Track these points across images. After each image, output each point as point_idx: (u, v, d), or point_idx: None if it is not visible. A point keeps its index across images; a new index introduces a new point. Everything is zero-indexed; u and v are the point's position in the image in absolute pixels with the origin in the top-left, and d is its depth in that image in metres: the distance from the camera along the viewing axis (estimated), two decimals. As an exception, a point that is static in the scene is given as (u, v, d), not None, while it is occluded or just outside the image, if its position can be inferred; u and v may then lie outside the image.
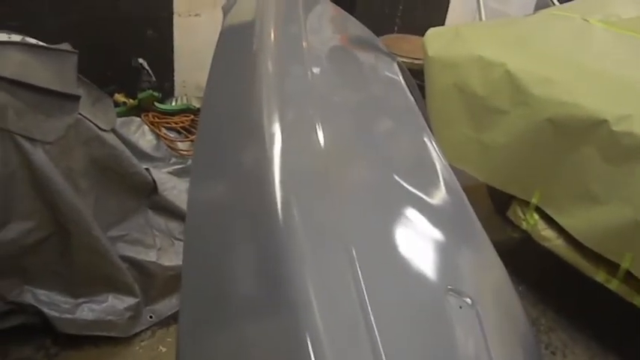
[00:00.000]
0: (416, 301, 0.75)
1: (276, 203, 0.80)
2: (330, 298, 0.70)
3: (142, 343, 2.00)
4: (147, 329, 2.04)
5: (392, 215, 0.91)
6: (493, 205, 2.73)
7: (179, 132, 2.79)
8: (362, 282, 0.71)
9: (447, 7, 4.17)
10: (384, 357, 0.63)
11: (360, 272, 0.73)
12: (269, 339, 0.70)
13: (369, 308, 0.68)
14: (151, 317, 2.06)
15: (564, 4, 2.72)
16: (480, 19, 2.95)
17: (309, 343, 0.62)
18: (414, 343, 0.70)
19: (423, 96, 2.25)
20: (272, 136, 0.92)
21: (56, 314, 1.85)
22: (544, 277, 2.59)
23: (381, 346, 0.64)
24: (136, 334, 2.01)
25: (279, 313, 0.69)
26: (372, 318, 0.67)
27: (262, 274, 0.76)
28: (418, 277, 0.80)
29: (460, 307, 0.74)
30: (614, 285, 1.92)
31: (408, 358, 0.67)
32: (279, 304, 0.70)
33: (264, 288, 0.74)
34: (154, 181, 2.17)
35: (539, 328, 2.31)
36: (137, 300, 1.99)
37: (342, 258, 0.75)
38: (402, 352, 0.66)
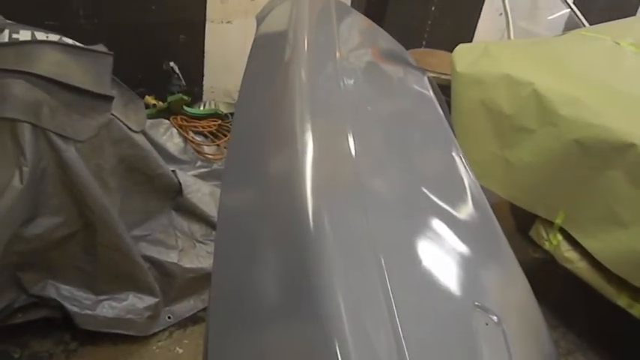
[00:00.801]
0: (443, 316, 0.75)
1: (307, 212, 0.80)
2: (359, 310, 0.70)
3: (159, 344, 2.02)
4: (164, 330, 2.06)
5: (421, 228, 0.91)
6: (516, 224, 2.71)
7: (206, 136, 2.83)
8: (391, 294, 0.72)
9: (476, 23, 4.17)
10: None
11: (389, 284, 0.73)
12: (296, 348, 0.70)
13: (398, 321, 0.69)
14: (169, 318, 2.08)
15: (595, 26, 2.71)
16: (509, 37, 2.94)
17: (338, 354, 0.63)
18: (440, 356, 0.70)
19: (450, 111, 2.25)
20: (304, 144, 0.93)
21: (77, 310, 1.87)
22: (565, 299, 2.55)
23: (408, 357, 0.64)
24: (154, 334, 2.03)
25: (308, 323, 0.70)
26: (401, 331, 0.67)
27: (292, 282, 0.77)
28: (445, 292, 0.80)
29: (486, 324, 0.74)
30: (636, 310, 1.89)
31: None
32: (308, 313, 0.70)
33: (293, 297, 0.75)
34: (180, 183, 2.20)
35: (558, 351, 2.28)
36: (157, 300, 2.01)
37: (371, 269, 0.76)
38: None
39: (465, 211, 1.01)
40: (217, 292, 0.84)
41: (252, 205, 0.95)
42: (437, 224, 0.94)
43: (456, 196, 1.03)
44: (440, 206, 0.97)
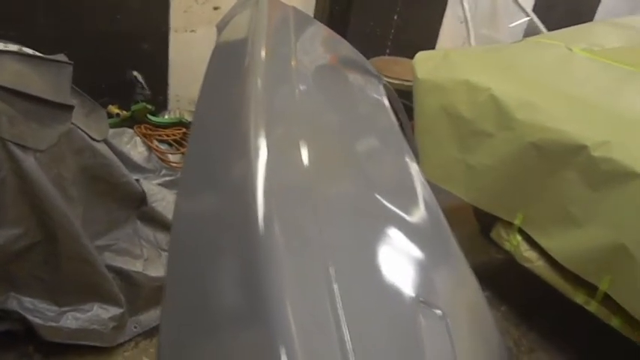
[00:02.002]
0: (389, 314, 0.78)
1: (258, 218, 0.82)
2: (306, 313, 0.72)
3: (126, 354, 2.00)
4: (130, 340, 2.04)
5: (371, 232, 0.94)
6: (478, 226, 2.78)
7: (170, 144, 2.82)
8: (338, 296, 0.74)
9: (438, 31, 4.25)
10: None
11: (336, 287, 0.75)
12: (247, 352, 0.71)
13: (343, 320, 0.71)
14: (135, 328, 2.06)
15: (550, 33, 2.79)
16: (470, 44, 3.01)
17: (284, 356, 0.64)
18: (385, 353, 0.72)
19: (411, 117, 2.30)
20: (257, 151, 0.94)
21: (40, 322, 1.84)
22: (527, 298, 2.61)
23: (353, 357, 0.67)
24: (120, 345, 2.01)
25: (257, 327, 0.71)
26: (346, 329, 0.70)
27: (242, 287, 0.78)
28: (393, 292, 0.82)
29: (430, 318, 0.77)
30: (592, 307, 1.95)
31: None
32: (257, 317, 0.71)
33: (243, 302, 0.76)
34: (144, 192, 2.19)
35: (520, 349, 2.34)
36: (122, 310, 1.99)
37: (320, 273, 0.78)
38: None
39: (416, 215, 1.04)
40: (169, 296, 0.85)
41: (205, 213, 0.97)
42: (388, 229, 0.97)
43: (407, 201, 1.06)
44: (391, 211, 1.00)
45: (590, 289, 1.93)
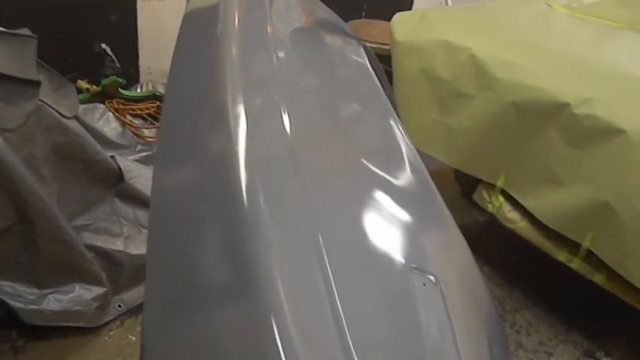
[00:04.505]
0: (381, 282, 0.76)
1: (241, 189, 0.79)
2: (296, 282, 0.70)
3: (111, 333, 1.98)
4: (115, 319, 2.02)
5: (358, 198, 0.92)
6: (460, 189, 2.78)
7: (145, 119, 2.75)
8: (328, 265, 0.72)
9: (415, -8, 4.18)
10: (348, 335, 0.63)
11: (326, 255, 0.73)
12: (235, 324, 0.69)
13: (335, 289, 0.69)
14: (119, 307, 2.04)
15: (528, -11, 2.75)
16: (447, 4, 2.96)
17: (274, 326, 0.63)
18: (379, 321, 0.71)
19: (391, 81, 2.26)
20: (237, 121, 0.91)
21: (21, 305, 1.81)
22: (510, 258, 2.65)
23: (346, 326, 0.65)
24: (105, 324, 1.99)
25: (245, 299, 0.69)
26: (338, 298, 0.68)
27: (228, 260, 0.76)
28: (383, 259, 0.81)
29: (424, 285, 0.75)
30: (575, 264, 1.98)
31: (372, 335, 0.68)
32: (245, 289, 0.69)
33: (230, 274, 0.74)
34: (120, 168, 2.14)
35: (504, 308, 2.37)
36: (105, 289, 1.96)
37: (308, 242, 0.75)
38: (367, 329, 0.67)
39: (403, 179, 1.02)
40: (152, 273, 0.82)
41: (185, 185, 0.93)
42: (375, 194, 0.94)
43: (393, 165, 1.04)
44: (378, 175, 0.97)
45: (573, 246, 1.95)
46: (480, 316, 0.85)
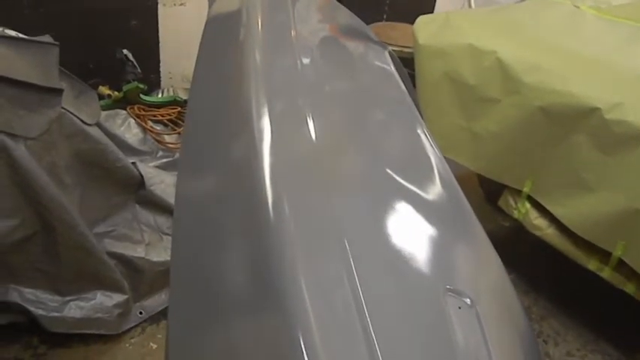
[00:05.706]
0: (414, 302, 0.73)
1: (266, 198, 0.77)
2: (325, 297, 0.67)
3: (132, 340, 1.97)
4: (137, 326, 2.02)
5: (386, 210, 0.88)
6: (485, 195, 2.73)
7: (166, 124, 2.75)
8: (357, 281, 0.69)
9: (437, -6, 4.14)
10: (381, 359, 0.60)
11: (354, 270, 0.70)
12: (261, 338, 0.67)
13: (365, 308, 0.66)
14: (140, 314, 2.04)
15: (554, -9, 2.69)
16: (470, 6, 2.92)
17: (302, 343, 0.60)
18: (413, 345, 0.67)
19: (414, 85, 2.23)
20: (261, 128, 0.89)
21: (43, 313, 1.81)
22: (535, 265, 2.59)
23: (378, 348, 0.62)
24: (126, 331, 1.98)
25: (272, 312, 0.67)
26: (369, 318, 0.65)
27: (253, 271, 0.74)
28: (415, 277, 0.77)
29: (459, 308, 0.72)
30: (606, 273, 1.92)
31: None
32: (271, 302, 0.67)
33: (256, 285, 0.72)
34: (141, 175, 2.14)
35: (530, 317, 2.31)
36: (126, 296, 1.96)
37: (335, 255, 0.73)
38: (401, 354, 0.64)
39: (432, 191, 0.98)
40: (176, 283, 0.80)
41: (209, 194, 0.91)
42: (403, 205, 0.91)
43: (422, 175, 1.00)
44: (406, 187, 0.94)
45: (604, 255, 1.89)
46: (516, 337, 0.81)
